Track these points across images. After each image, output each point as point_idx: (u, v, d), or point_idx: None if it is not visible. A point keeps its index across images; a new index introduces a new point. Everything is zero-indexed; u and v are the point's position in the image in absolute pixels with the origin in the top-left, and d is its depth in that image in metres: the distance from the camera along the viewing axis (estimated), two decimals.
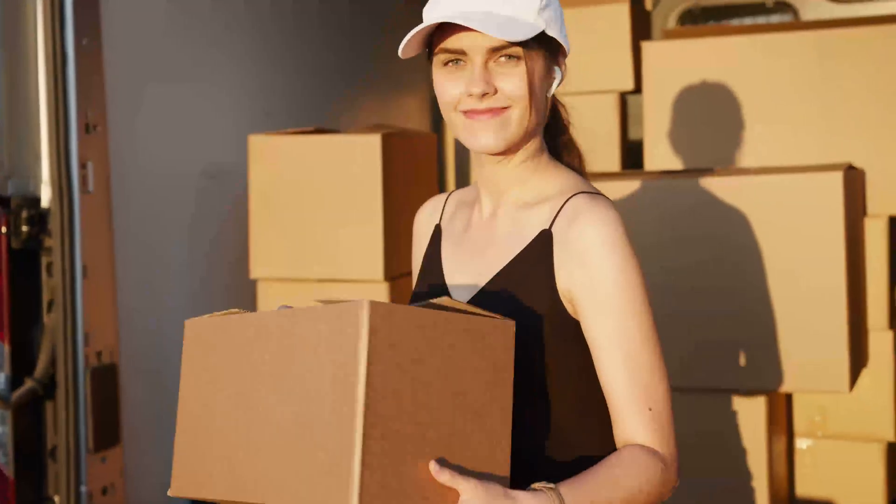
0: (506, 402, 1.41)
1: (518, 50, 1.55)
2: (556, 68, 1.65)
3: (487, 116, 1.57)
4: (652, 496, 1.50)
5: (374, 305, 1.29)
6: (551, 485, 1.40)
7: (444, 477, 1.33)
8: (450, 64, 1.59)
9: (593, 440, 1.60)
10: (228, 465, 1.44)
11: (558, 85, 1.66)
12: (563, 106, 1.75)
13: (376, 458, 1.27)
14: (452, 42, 1.57)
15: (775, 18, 4.56)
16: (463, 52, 1.56)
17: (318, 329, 1.34)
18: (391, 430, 1.29)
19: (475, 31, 1.54)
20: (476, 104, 1.57)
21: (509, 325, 1.43)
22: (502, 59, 1.56)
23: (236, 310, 1.55)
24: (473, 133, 1.59)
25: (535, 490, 1.39)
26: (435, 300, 1.39)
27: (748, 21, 4.63)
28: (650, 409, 1.52)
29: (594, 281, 1.53)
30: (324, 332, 1.33)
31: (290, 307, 1.55)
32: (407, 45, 1.59)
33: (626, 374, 1.52)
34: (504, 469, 1.40)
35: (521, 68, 1.56)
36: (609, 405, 1.55)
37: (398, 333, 1.31)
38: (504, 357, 1.41)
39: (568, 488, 1.41)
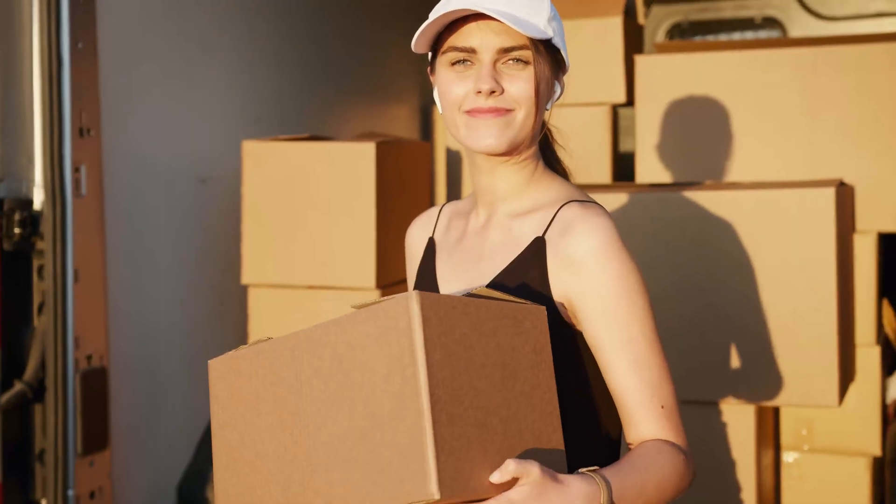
0: (550, 381, 1.44)
1: (527, 53, 1.57)
2: (557, 83, 1.66)
3: (492, 116, 1.58)
4: (677, 487, 1.53)
5: (422, 296, 1.30)
6: (595, 468, 1.43)
7: (512, 468, 1.33)
8: (457, 65, 1.60)
9: (590, 437, 1.62)
10: (282, 489, 1.42)
11: (556, 99, 1.68)
12: (552, 127, 1.77)
13: (447, 444, 1.27)
14: (462, 39, 1.58)
15: (763, 34, 4.59)
16: (472, 51, 1.58)
17: (365, 331, 1.33)
18: (456, 415, 1.30)
19: (487, 29, 1.55)
20: (482, 102, 1.58)
21: (541, 310, 1.45)
22: (511, 61, 1.58)
23: (262, 339, 1.53)
24: (476, 131, 1.60)
25: (582, 474, 1.41)
26: (473, 289, 1.41)
27: (736, 36, 4.66)
28: (662, 408, 1.55)
29: (594, 289, 1.55)
30: (372, 332, 1.33)
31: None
32: (417, 41, 1.60)
33: (636, 377, 1.55)
34: (560, 445, 1.43)
35: (528, 72, 1.58)
36: (620, 408, 1.57)
37: (447, 322, 1.32)
38: (542, 340, 1.44)
39: (610, 473, 1.44)
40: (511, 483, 1.34)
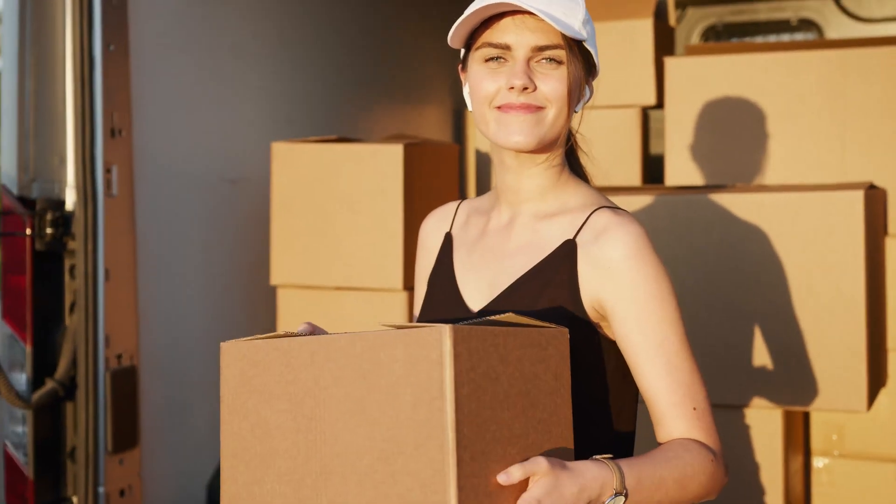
0: (566, 407, 1.44)
1: (560, 53, 1.58)
2: (587, 86, 1.68)
3: (523, 112, 1.59)
4: (703, 485, 1.53)
5: (455, 330, 1.30)
6: (609, 455, 1.44)
7: (518, 474, 1.34)
8: (491, 61, 1.61)
9: (608, 436, 1.63)
10: (293, 489, 1.43)
11: (586, 102, 1.69)
12: (577, 133, 1.78)
13: (469, 480, 1.29)
14: (498, 36, 1.59)
15: (799, 36, 4.55)
16: (507, 47, 1.59)
17: (394, 354, 1.34)
18: (478, 451, 1.31)
19: (523, 27, 1.57)
20: (513, 98, 1.59)
21: (564, 333, 1.46)
22: (544, 60, 1.59)
23: (279, 332, 1.53)
24: (507, 127, 1.60)
25: (594, 460, 1.42)
26: (497, 316, 1.40)
27: (772, 38, 4.63)
28: (695, 409, 1.56)
29: (629, 292, 1.56)
30: (400, 357, 1.33)
31: (314, 325, 1.55)
32: (454, 36, 1.62)
33: (668, 379, 1.55)
34: None
35: (561, 71, 1.59)
36: (652, 409, 1.58)
37: (476, 355, 1.33)
38: (562, 364, 1.44)
39: (624, 462, 1.44)
40: (523, 486, 1.35)
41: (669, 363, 1.55)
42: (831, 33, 4.41)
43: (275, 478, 1.45)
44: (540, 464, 1.34)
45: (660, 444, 1.57)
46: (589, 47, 1.63)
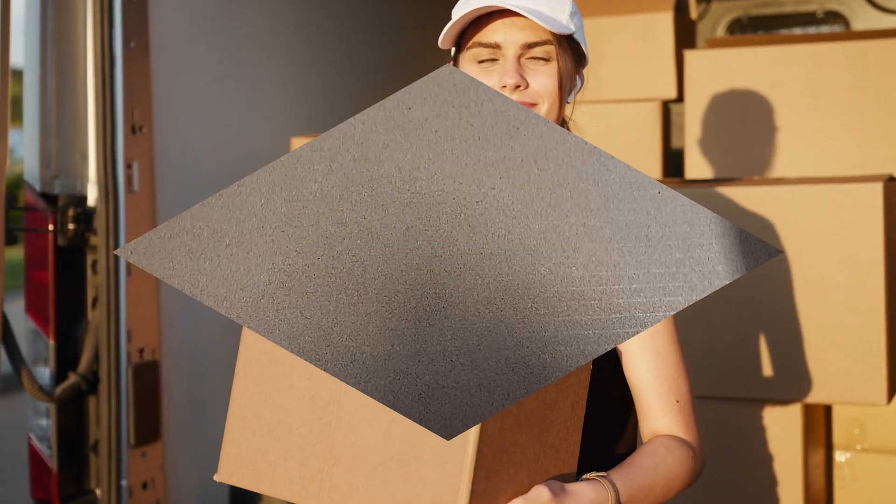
0: (577, 435, 1.45)
1: (550, 49, 1.60)
2: (578, 76, 1.69)
3: None
4: (684, 482, 1.56)
5: None
6: (603, 473, 1.45)
7: None
8: (483, 62, 1.63)
9: (607, 430, 1.66)
10: (297, 466, 1.42)
11: (577, 92, 1.71)
12: (571, 121, 1.79)
13: (478, 499, 1.30)
14: (487, 35, 1.61)
15: (825, 29, 4.52)
16: (497, 46, 1.61)
17: None
18: (493, 471, 1.32)
19: (511, 25, 1.59)
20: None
21: (587, 364, 1.46)
22: (534, 56, 1.61)
23: None
24: None
25: (589, 479, 1.43)
26: None
27: (798, 31, 4.60)
28: (678, 402, 1.59)
29: None
30: None
31: None
32: (444, 38, 1.65)
33: (656, 371, 1.59)
34: None
35: (551, 66, 1.61)
36: (637, 399, 1.61)
37: None
38: (580, 394, 1.45)
39: (617, 477, 1.46)
40: None
41: (658, 355, 1.59)
42: (858, 25, 4.37)
43: (280, 451, 1.45)
44: (542, 494, 1.35)
45: (643, 437, 1.61)
46: (578, 39, 1.65)
